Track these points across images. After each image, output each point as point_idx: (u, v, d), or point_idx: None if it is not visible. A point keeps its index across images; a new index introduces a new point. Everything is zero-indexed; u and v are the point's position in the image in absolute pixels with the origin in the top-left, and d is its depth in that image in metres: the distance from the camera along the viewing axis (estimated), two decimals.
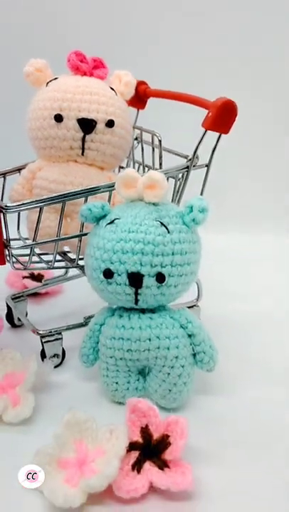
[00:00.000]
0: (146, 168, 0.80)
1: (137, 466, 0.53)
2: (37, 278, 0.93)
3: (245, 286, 0.98)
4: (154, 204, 0.61)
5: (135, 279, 0.58)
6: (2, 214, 0.64)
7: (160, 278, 0.59)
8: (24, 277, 0.93)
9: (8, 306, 0.82)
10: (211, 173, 0.74)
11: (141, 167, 0.81)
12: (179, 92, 0.78)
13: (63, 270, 0.89)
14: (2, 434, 0.60)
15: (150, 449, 0.54)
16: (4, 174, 0.77)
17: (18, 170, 0.78)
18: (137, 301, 0.60)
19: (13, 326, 0.83)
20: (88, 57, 0.74)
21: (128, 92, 0.75)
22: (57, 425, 0.57)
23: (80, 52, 0.73)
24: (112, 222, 0.61)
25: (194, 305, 0.79)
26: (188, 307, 0.70)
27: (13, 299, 0.82)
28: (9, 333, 0.81)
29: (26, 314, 0.84)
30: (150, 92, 0.83)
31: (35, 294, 0.90)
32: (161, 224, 0.59)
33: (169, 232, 0.59)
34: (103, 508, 0.51)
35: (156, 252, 0.58)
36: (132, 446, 0.54)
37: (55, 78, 0.72)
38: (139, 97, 0.83)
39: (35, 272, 0.94)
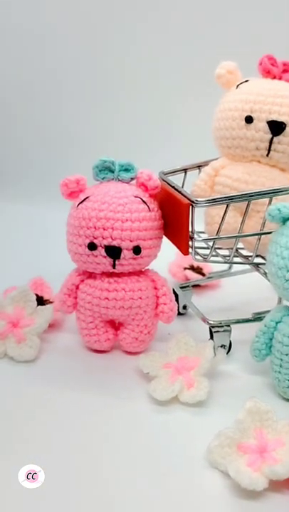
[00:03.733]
0: None
1: None
2: (197, 270, 0.97)
3: None
4: None
5: None
6: (191, 207, 0.68)
7: None
8: (185, 268, 0.97)
9: (175, 293, 0.86)
10: None
11: None
12: None
13: (226, 265, 0.92)
14: (180, 412, 0.65)
15: None
16: (185, 170, 0.81)
17: (198, 167, 0.82)
18: None
19: (178, 313, 0.87)
20: (279, 61, 0.76)
21: None
22: (229, 412, 0.61)
23: (272, 56, 0.76)
24: None
25: None
26: None
27: (181, 287, 0.86)
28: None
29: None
30: None
31: (195, 286, 0.94)
32: None
33: None
34: (282, 496, 0.53)
35: None
36: None
37: (246, 81, 0.75)
38: None
39: (195, 265, 0.98)
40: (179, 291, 0.86)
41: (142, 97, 1.35)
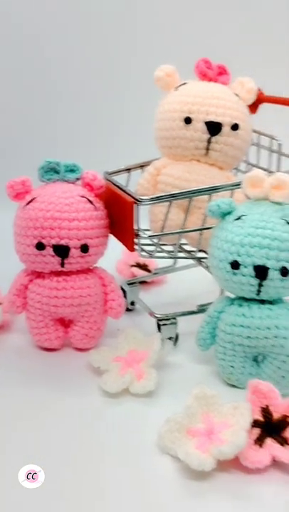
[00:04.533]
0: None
1: (259, 442, 0.58)
2: (143, 267, 1.00)
3: None
4: (278, 203, 0.66)
5: (261, 272, 0.64)
6: (136, 206, 0.70)
7: (284, 272, 0.64)
8: (132, 266, 1.00)
9: (123, 290, 0.89)
10: None
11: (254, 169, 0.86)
12: None
13: (171, 261, 0.95)
14: (131, 403, 0.67)
15: (271, 427, 0.59)
16: (129, 169, 0.84)
17: (141, 166, 0.85)
18: (259, 292, 0.65)
19: (126, 309, 0.89)
20: (213, 63, 0.80)
21: (250, 98, 0.80)
22: (177, 399, 0.64)
23: (208, 60, 0.79)
24: (239, 218, 0.66)
25: None
26: None
27: (128, 284, 0.89)
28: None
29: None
30: (264, 98, 0.88)
31: (142, 282, 0.97)
32: (287, 222, 0.64)
33: None
34: (230, 475, 0.56)
35: (282, 247, 0.63)
36: (253, 424, 0.59)
37: (184, 83, 0.78)
38: (253, 102, 0.88)
39: (141, 262, 1.01)
40: (126, 288, 0.89)
41: (84, 98, 1.37)
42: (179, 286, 0.98)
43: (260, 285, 0.65)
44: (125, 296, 0.89)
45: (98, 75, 1.36)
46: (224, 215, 0.68)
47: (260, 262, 0.64)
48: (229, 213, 0.68)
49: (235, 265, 0.65)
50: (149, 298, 0.93)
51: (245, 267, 0.64)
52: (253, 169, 0.87)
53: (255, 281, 0.65)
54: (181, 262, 0.95)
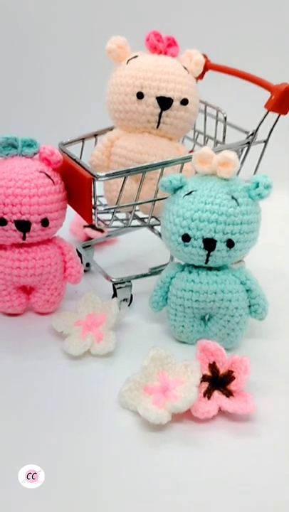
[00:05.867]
0: (208, 139, 0.90)
1: (208, 394, 0.67)
2: (95, 228, 1.05)
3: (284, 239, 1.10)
4: (224, 179, 0.72)
5: (209, 244, 0.70)
6: (93, 181, 0.74)
7: (230, 243, 0.70)
8: (85, 226, 1.04)
9: (78, 253, 0.94)
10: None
11: (202, 136, 0.91)
12: (240, 70, 0.86)
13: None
14: (92, 363, 0.74)
15: (218, 381, 0.68)
16: (83, 139, 0.87)
17: (95, 135, 0.88)
18: (207, 261, 0.72)
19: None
20: (163, 36, 0.82)
21: (197, 70, 0.83)
22: (134, 358, 0.71)
23: (158, 33, 0.82)
24: (189, 193, 0.72)
25: (240, 260, 0.91)
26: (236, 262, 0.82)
27: (83, 247, 0.94)
28: None
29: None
30: (211, 66, 0.92)
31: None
32: (232, 197, 0.70)
33: (238, 204, 0.70)
34: (183, 425, 0.65)
35: (228, 221, 0.70)
36: (202, 379, 0.68)
37: (135, 56, 0.81)
38: None
39: None
40: (82, 251, 0.94)
41: (36, 66, 1.35)
42: (131, 246, 1.04)
43: (208, 255, 0.71)
44: (81, 259, 0.94)
45: (50, 42, 1.34)
46: (175, 189, 0.73)
47: (208, 235, 0.70)
48: (180, 188, 0.73)
49: (186, 238, 0.71)
50: (102, 258, 0.99)
51: (195, 239, 0.71)
52: (200, 137, 0.93)
53: (204, 252, 0.71)
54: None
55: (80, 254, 0.94)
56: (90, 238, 1.02)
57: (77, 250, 0.94)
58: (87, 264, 0.95)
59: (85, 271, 0.95)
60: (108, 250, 1.04)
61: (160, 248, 0.98)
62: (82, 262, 0.94)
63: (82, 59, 1.31)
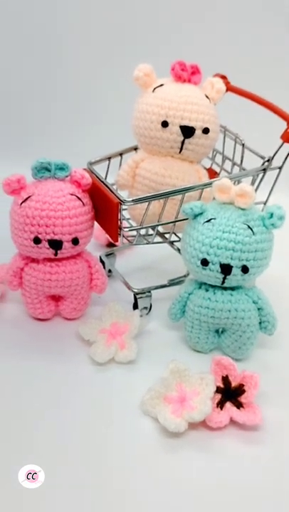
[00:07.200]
0: (226, 159, 0.96)
1: (220, 405, 0.75)
2: None
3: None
4: (241, 209, 0.78)
5: (226, 269, 0.77)
6: (120, 205, 0.81)
7: (244, 269, 0.77)
8: None
9: (101, 259, 1.01)
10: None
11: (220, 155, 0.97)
12: (259, 96, 0.92)
13: None
14: (116, 370, 0.82)
15: (230, 393, 0.76)
16: (109, 158, 0.93)
17: (120, 154, 0.94)
18: (223, 283, 0.79)
19: None
20: (187, 64, 0.88)
21: (218, 97, 0.88)
22: (153, 364, 0.80)
23: (182, 62, 0.87)
24: (209, 220, 0.78)
25: None
26: None
27: (106, 256, 1.01)
28: None
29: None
30: (231, 88, 0.97)
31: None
32: (248, 227, 0.77)
33: (253, 233, 0.77)
34: (198, 432, 0.73)
35: (243, 249, 0.76)
36: (216, 390, 0.76)
37: (161, 85, 0.86)
38: None
39: None
40: (104, 259, 1.01)
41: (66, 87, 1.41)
42: (149, 251, 1.10)
43: (224, 278, 0.78)
44: (104, 266, 1.01)
45: (78, 63, 1.39)
46: (196, 215, 0.80)
47: (225, 261, 0.77)
48: (200, 214, 0.80)
49: (204, 262, 0.78)
50: (122, 264, 1.06)
51: (213, 264, 0.77)
52: (218, 157, 0.99)
53: (220, 276, 0.78)
54: None
55: (102, 262, 1.01)
56: (111, 242, 1.09)
57: (100, 258, 1.01)
58: (109, 271, 1.02)
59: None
60: (128, 255, 1.11)
61: (177, 255, 1.04)
62: (104, 268, 1.01)
63: (106, 80, 1.37)
